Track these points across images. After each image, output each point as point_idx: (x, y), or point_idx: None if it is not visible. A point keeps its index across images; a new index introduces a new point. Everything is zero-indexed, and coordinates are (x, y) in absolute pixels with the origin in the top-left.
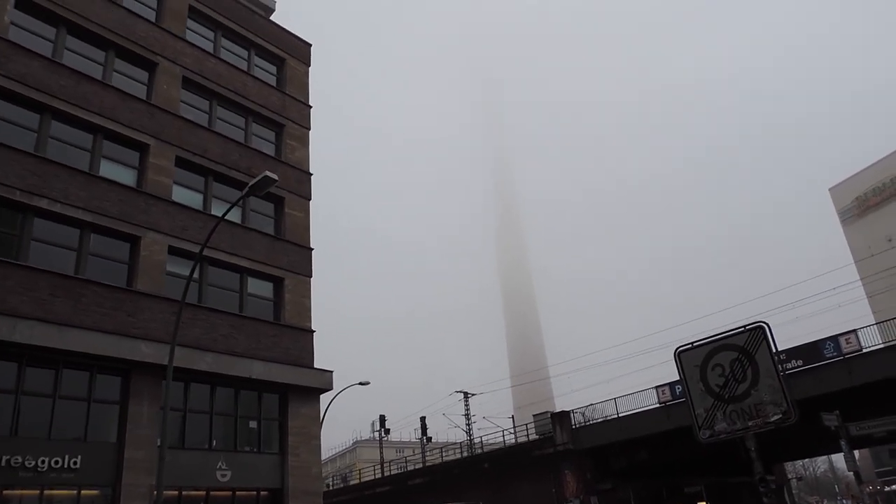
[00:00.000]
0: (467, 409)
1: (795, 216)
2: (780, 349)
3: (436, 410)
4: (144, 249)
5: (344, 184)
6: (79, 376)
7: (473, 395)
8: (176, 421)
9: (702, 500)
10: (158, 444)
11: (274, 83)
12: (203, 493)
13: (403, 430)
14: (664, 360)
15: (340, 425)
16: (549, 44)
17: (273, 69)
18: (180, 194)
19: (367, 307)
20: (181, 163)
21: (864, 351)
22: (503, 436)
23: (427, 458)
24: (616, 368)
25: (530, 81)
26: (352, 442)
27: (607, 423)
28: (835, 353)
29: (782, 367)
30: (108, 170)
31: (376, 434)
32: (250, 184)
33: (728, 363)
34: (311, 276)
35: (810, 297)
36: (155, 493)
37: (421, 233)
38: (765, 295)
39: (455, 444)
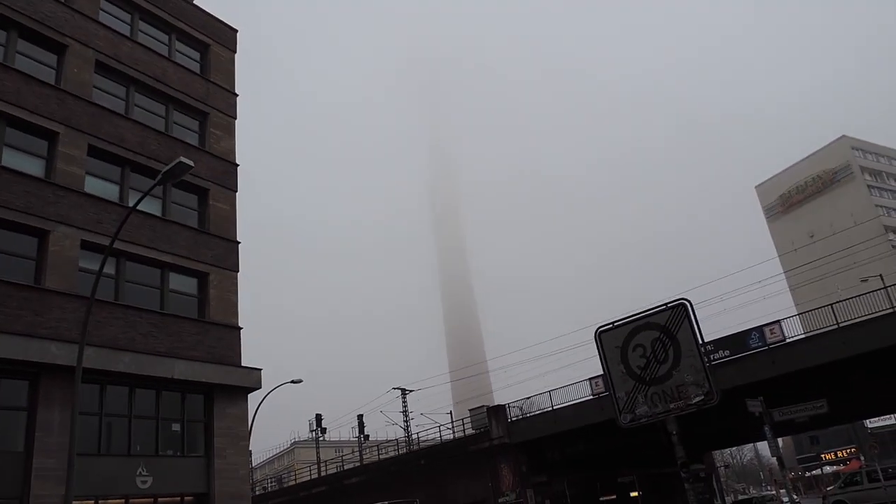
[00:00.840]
0: (405, 406)
1: (725, 213)
2: (707, 340)
3: (375, 408)
4: (54, 244)
5: (282, 175)
6: None
7: (411, 391)
8: (92, 426)
9: (634, 491)
10: None
11: (197, 70)
12: (122, 500)
13: (343, 429)
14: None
15: (279, 426)
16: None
17: (196, 55)
18: (94, 185)
19: (305, 304)
20: (95, 152)
21: (788, 341)
22: (439, 431)
23: (365, 457)
24: (553, 361)
25: (469, 62)
26: (290, 443)
27: (542, 416)
28: (760, 344)
29: (704, 346)
30: (11, 159)
31: (322, 434)
32: (163, 170)
33: (649, 343)
34: (237, 271)
35: (738, 290)
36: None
37: (358, 225)
38: (694, 287)
39: (392, 441)
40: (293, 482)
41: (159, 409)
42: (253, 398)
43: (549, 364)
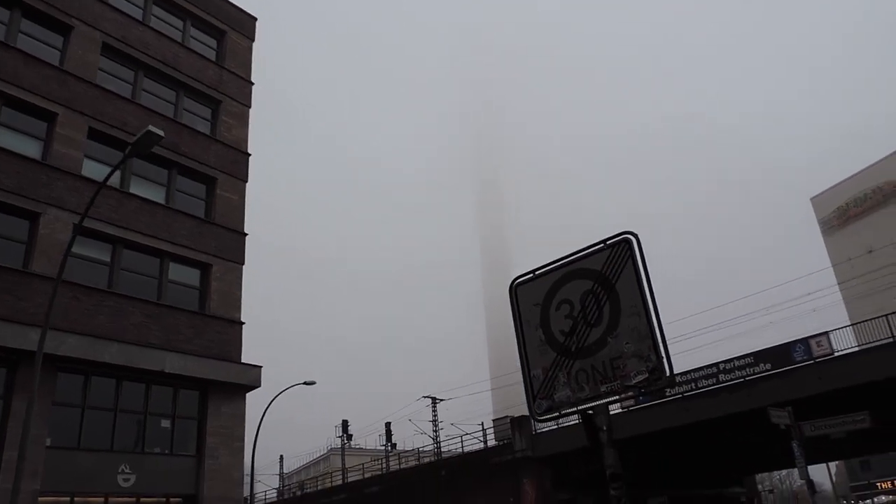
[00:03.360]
0: (435, 415)
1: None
2: (748, 353)
3: (405, 416)
4: (44, 227)
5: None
6: None
7: (441, 400)
8: (72, 418)
9: None
10: (48, 443)
11: (213, 57)
12: (101, 499)
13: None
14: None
15: (317, 431)
16: None
17: (213, 42)
18: (93, 169)
19: (360, 331)
20: (95, 135)
21: (836, 354)
22: (461, 442)
23: (393, 466)
24: None
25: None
26: (327, 449)
27: (567, 429)
28: (805, 357)
29: (654, 299)
30: (7, 140)
31: (352, 440)
32: (132, 141)
33: (578, 298)
34: (242, 264)
35: (786, 302)
36: (40, 498)
37: (401, 259)
38: (743, 297)
39: (416, 450)
40: (315, 488)
41: (148, 404)
42: (265, 398)
43: None
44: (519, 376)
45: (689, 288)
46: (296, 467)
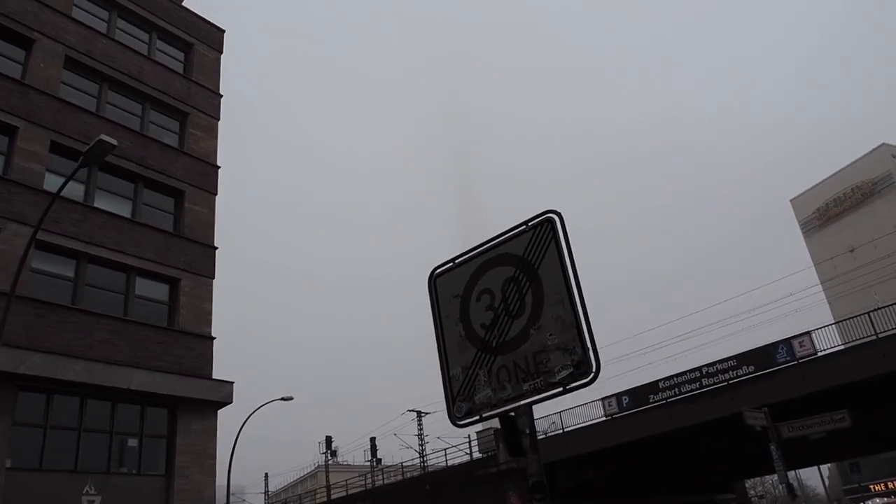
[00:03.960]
0: (420, 429)
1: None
2: (731, 355)
3: (390, 431)
4: (4, 243)
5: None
6: None
7: (426, 413)
8: (35, 439)
9: None
10: (8, 465)
11: (180, 69)
12: None
13: (361, 453)
14: (637, 367)
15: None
16: None
17: (180, 55)
18: (55, 183)
19: (325, 339)
20: (58, 149)
21: (819, 354)
22: (445, 455)
23: (378, 482)
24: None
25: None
26: (314, 465)
27: (551, 439)
28: (788, 358)
29: (577, 282)
30: None
31: (336, 456)
32: (85, 150)
33: (500, 287)
34: (213, 278)
35: (769, 305)
36: None
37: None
38: (723, 301)
39: (399, 465)
40: None
41: (114, 423)
42: (244, 413)
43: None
44: None
45: (669, 288)
46: (283, 485)
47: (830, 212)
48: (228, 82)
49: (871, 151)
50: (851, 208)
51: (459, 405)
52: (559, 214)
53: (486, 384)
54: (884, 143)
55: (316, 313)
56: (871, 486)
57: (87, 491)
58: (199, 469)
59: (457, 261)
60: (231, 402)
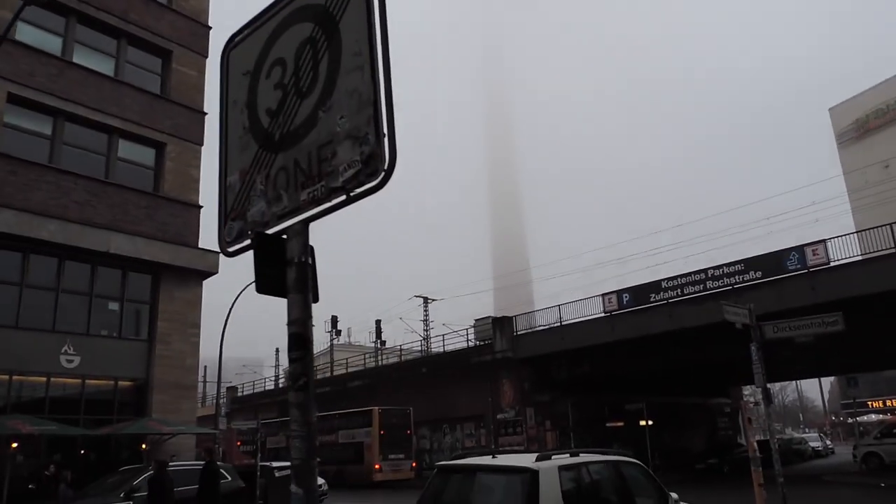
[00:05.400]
0: (426, 315)
1: (791, 136)
2: (737, 259)
3: (397, 314)
4: None
5: None
6: None
7: (433, 300)
8: (11, 296)
9: (643, 419)
10: None
11: None
12: (42, 378)
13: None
14: (646, 266)
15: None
16: None
17: None
18: (30, 35)
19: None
20: None
21: (832, 265)
22: (443, 341)
23: (370, 363)
24: (602, 273)
25: None
26: (326, 345)
27: (549, 332)
28: (799, 266)
29: (386, 39)
30: None
31: (349, 336)
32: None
33: (293, 54)
34: (201, 144)
35: (790, 213)
36: None
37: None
38: (746, 204)
39: (398, 347)
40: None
41: (94, 286)
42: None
43: (594, 276)
44: (521, 276)
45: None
46: None
47: (870, 123)
48: None
49: None
50: (891, 122)
51: (231, 225)
52: None
53: (261, 194)
54: None
55: None
56: (869, 403)
57: (66, 350)
58: (180, 336)
59: (256, 23)
60: (216, 273)
